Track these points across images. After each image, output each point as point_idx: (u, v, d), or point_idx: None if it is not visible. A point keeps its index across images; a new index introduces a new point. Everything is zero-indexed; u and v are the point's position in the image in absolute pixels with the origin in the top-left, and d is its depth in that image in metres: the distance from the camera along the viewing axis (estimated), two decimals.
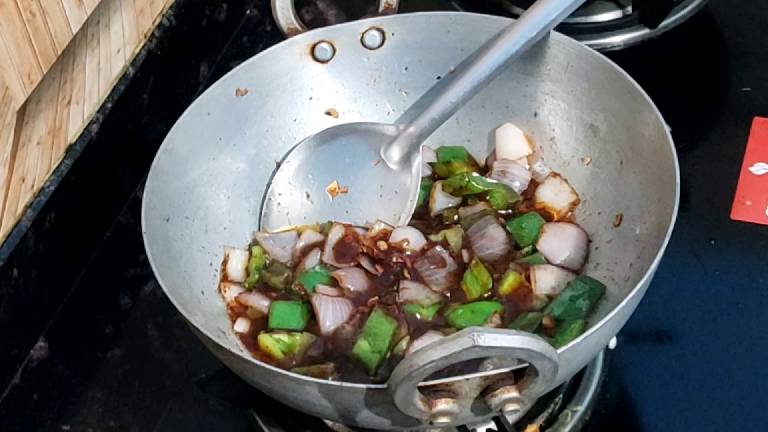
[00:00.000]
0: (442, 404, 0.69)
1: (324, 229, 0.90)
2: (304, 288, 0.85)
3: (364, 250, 0.87)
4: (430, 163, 0.93)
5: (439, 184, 0.92)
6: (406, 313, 0.83)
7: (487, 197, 0.90)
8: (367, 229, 0.89)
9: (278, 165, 0.93)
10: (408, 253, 0.86)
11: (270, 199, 0.92)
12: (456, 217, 0.90)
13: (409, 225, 0.90)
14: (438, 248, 0.86)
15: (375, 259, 0.86)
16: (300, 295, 0.85)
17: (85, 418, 0.90)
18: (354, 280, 0.85)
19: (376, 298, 0.84)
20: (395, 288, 0.85)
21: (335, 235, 0.88)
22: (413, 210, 0.90)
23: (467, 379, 0.68)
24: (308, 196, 0.92)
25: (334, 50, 0.94)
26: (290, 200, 0.92)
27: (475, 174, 0.91)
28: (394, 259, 0.86)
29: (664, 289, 0.86)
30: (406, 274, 0.85)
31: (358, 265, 0.86)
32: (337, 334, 0.83)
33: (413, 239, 0.87)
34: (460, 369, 0.73)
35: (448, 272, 0.85)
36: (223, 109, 0.91)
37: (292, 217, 0.92)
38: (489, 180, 0.91)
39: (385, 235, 0.87)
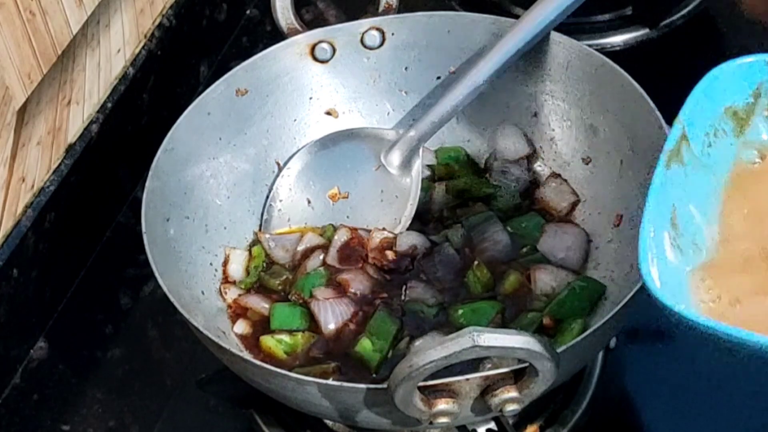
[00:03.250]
0: (442, 404, 0.69)
1: (326, 233, 0.90)
2: (302, 297, 0.85)
3: (371, 261, 0.87)
4: (429, 165, 0.93)
5: (440, 186, 0.92)
6: (409, 312, 0.83)
7: (490, 200, 0.90)
8: (369, 231, 0.89)
9: (279, 166, 0.93)
10: (417, 257, 0.87)
11: (271, 204, 0.92)
12: (455, 217, 0.90)
13: (408, 227, 0.90)
14: (446, 245, 0.86)
15: (384, 269, 0.86)
16: (299, 303, 0.85)
17: (85, 418, 0.90)
18: (360, 283, 0.85)
19: (385, 295, 0.84)
20: (402, 289, 0.85)
21: (341, 237, 0.88)
22: (413, 213, 0.90)
23: (467, 379, 0.68)
24: (309, 201, 0.92)
25: (334, 50, 0.94)
26: (291, 205, 0.92)
27: (478, 177, 0.91)
28: (405, 266, 0.86)
29: None
30: (422, 277, 0.85)
31: (363, 270, 0.86)
32: (339, 333, 0.83)
33: (419, 244, 0.87)
34: (460, 369, 0.73)
35: (453, 271, 0.86)
36: (223, 109, 0.91)
37: (293, 223, 0.92)
38: (492, 183, 0.91)
39: (388, 244, 0.87)
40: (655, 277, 0.60)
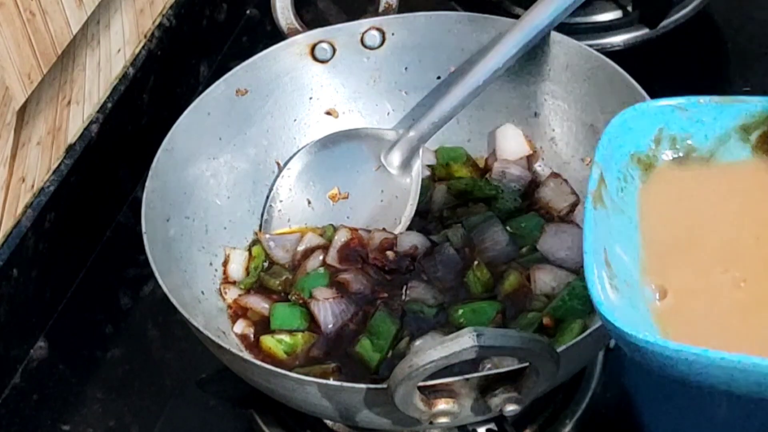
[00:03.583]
0: (442, 404, 0.69)
1: (326, 233, 0.90)
2: (302, 297, 0.85)
3: (371, 261, 0.87)
4: (429, 165, 0.93)
5: (440, 186, 0.92)
6: (409, 312, 0.83)
7: (491, 200, 0.90)
8: (369, 231, 0.89)
9: (279, 166, 0.93)
10: (418, 258, 0.87)
11: (271, 205, 0.92)
12: (456, 217, 0.90)
13: (409, 227, 0.90)
14: (446, 245, 0.86)
15: (384, 269, 0.86)
16: (299, 303, 0.85)
17: (85, 418, 0.90)
18: (360, 283, 0.85)
19: (385, 295, 0.84)
20: (403, 289, 0.85)
21: (341, 237, 0.88)
22: (413, 213, 0.90)
23: (467, 379, 0.68)
24: (309, 202, 0.92)
25: (334, 50, 0.94)
26: (291, 206, 0.92)
27: (478, 177, 0.91)
28: (406, 266, 0.86)
29: None
30: (423, 277, 0.85)
31: (364, 270, 0.86)
32: (339, 333, 0.83)
33: (420, 244, 0.87)
34: (459, 369, 0.73)
35: (453, 271, 0.86)
36: (223, 109, 0.91)
37: (293, 223, 0.92)
38: (493, 183, 0.91)
39: (389, 244, 0.87)
40: (611, 310, 0.58)
